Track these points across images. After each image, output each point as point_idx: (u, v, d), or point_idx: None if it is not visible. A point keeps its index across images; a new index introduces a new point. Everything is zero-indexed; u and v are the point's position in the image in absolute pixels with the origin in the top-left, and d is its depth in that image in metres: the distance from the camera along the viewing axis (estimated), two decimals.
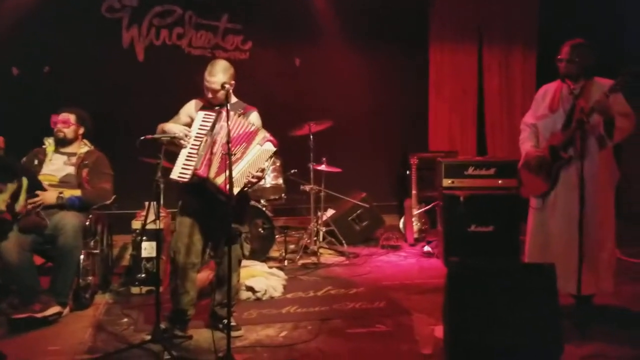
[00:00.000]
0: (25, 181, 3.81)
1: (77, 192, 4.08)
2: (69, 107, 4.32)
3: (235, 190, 3.28)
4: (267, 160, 3.45)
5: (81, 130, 4.34)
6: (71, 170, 4.18)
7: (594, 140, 3.64)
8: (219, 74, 3.42)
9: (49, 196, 3.96)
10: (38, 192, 3.93)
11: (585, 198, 3.45)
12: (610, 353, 3.23)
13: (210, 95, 3.47)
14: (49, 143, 4.29)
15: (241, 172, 3.35)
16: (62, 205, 3.99)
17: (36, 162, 4.19)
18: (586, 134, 3.54)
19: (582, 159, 3.48)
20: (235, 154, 3.27)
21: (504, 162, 5.30)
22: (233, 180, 3.22)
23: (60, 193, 3.99)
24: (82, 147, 4.33)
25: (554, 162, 3.76)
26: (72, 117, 4.27)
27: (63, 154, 4.25)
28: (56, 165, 4.19)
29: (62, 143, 4.26)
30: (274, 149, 3.46)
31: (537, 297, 2.94)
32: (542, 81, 4.27)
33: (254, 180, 3.40)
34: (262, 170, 3.43)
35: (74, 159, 4.23)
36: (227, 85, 3.31)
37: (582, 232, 3.44)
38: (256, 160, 3.40)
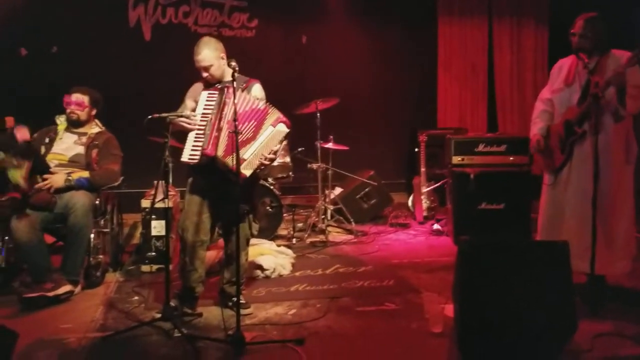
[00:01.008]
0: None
1: (85, 173, 4.06)
2: (81, 88, 4.26)
3: (248, 172, 3.27)
4: (280, 142, 3.42)
5: (94, 112, 4.31)
6: (81, 150, 4.16)
7: (609, 115, 3.57)
8: (204, 51, 3.39)
9: (57, 179, 3.94)
10: (46, 175, 3.92)
11: (599, 174, 3.39)
12: (624, 331, 3.20)
13: (204, 74, 3.44)
14: (61, 122, 4.27)
15: (254, 154, 3.32)
16: (70, 187, 3.98)
17: (47, 140, 4.17)
18: (601, 109, 3.48)
19: (597, 134, 3.42)
20: (242, 132, 3.24)
21: (515, 138, 5.23)
22: (247, 162, 3.23)
23: (69, 176, 3.98)
24: (93, 128, 4.30)
25: (568, 137, 3.70)
26: (85, 99, 4.22)
27: (74, 133, 4.23)
28: (66, 144, 4.18)
29: (75, 124, 4.23)
30: (287, 131, 3.42)
31: (550, 275, 2.91)
32: (554, 56, 4.20)
33: (267, 162, 3.38)
34: (275, 153, 3.41)
35: (84, 139, 4.20)
36: (233, 63, 3.24)
37: (596, 209, 3.38)
38: (269, 142, 3.36)
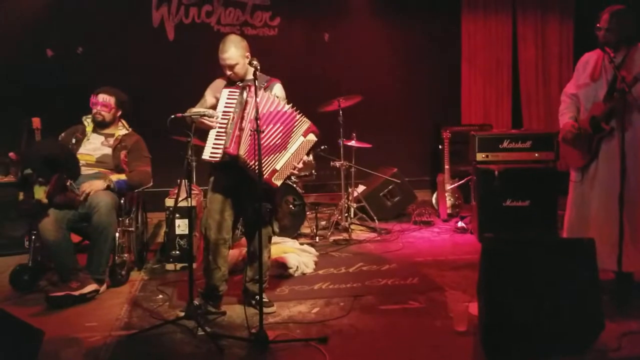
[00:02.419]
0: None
1: (122, 176, 4.11)
2: (108, 89, 4.30)
3: (279, 182, 3.33)
4: (308, 152, 3.45)
5: (119, 113, 4.35)
6: (108, 151, 4.20)
7: (636, 111, 3.48)
8: (230, 49, 3.40)
9: (97, 185, 3.98)
10: (87, 182, 3.96)
11: (626, 171, 3.32)
12: None
13: (228, 72, 3.45)
14: (88, 122, 4.32)
15: (285, 164, 3.35)
16: (109, 189, 4.03)
17: (74, 140, 4.21)
18: (628, 105, 3.40)
19: (624, 131, 3.35)
20: (266, 133, 3.24)
21: (540, 134, 5.14)
22: (278, 172, 3.28)
23: (109, 182, 4.02)
24: (120, 129, 4.34)
25: (595, 134, 3.63)
26: (112, 100, 4.26)
27: (100, 134, 4.27)
28: (93, 145, 4.22)
29: (100, 125, 4.28)
30: (316, 140, 3.44)
31: (576, 273, 2.86)
32: (579, 50, 4.11)
33: (296, 172, 3.41)
34: (304, 162, 3.44)
35: (111, 141, 4.24)
36: (255, 62, 3.25)
37: (623, 206, 3.32)
38: (300, 152, 3.40)
